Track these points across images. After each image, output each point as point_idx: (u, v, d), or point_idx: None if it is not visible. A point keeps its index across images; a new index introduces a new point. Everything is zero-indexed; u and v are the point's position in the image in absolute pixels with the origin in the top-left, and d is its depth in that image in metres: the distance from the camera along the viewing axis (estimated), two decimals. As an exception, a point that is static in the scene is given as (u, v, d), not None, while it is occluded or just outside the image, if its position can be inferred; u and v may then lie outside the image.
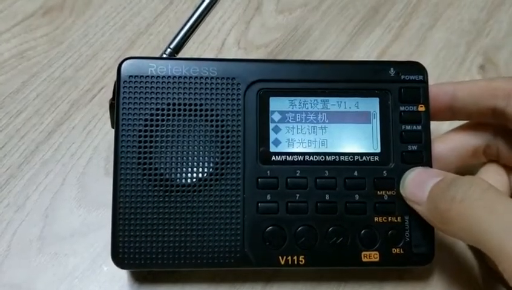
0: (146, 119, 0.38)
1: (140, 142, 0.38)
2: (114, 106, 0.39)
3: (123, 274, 0.42)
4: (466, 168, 0.43)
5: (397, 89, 0.40)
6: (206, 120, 0.39)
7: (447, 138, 0.42)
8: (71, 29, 0.51)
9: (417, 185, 0.37)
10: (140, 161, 0.38)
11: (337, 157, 0.39)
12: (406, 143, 0.40)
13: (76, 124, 0.47)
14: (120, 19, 0.52)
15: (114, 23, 0.51)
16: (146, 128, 0.38)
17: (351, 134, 0.40)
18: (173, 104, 0.38)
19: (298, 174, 0.39)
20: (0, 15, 0.51)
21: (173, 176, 0.38)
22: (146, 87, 0.38)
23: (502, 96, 0.38)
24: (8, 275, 0.42)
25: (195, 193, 0.38)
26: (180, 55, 0.49)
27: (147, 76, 0.38)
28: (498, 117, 0.39)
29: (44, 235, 0.43)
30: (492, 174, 0.42)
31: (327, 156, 0.39)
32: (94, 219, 0.43)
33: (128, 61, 0.39)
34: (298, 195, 0.39)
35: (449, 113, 0.41)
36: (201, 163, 0.38)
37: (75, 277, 0.42)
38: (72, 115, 0.47)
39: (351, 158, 0.39)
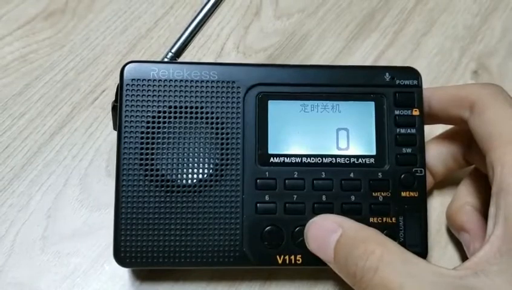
0: (148, 122, 0.39)
1: (142, 143, 0.39)
2: (117, 109, 0.39)
3: (125, 273, 0.42)
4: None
5: (392, 94, 0.41)
6: (207, 122, 0.39)
7: (429, 145, 0.43)
8: (72, 33, 0.52)
9: (319, 244, 0.37)
10: (141, 162, 0.38)
11: (333, 159, 0.40)
12: (401, 146, 0.40)
13: (78, 126, 0.47)
14: (121, 23, 0.52)
15: (115, 27, 0.52)
16: (148, 130, 0.39)
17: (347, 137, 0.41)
18: (175, 107, 0.39)
19: (295, 176, 0.40)
20: (3, 18, 0.52)
21: (174, 176, 0.39)
22: (148, 90, 0.39)
23: (466, 106, 0.39)
24: (12, 274, 0.42)
25: (196, 194, 0.39)
26: (180, 59, 0.50)
27: (150, 79, 0.39)
28: (467, 126, 0.39)
29: (47, 235, 0.44)
30: (464, 193, 0.42)
31: (323, 158, 0.40)
32: (95, 219, 0.44)
33: (130, 65, 0.39)
34: (295, 196, 0.39)
35: (429, 118, 0.42)
36: (201, 164, 0.39)
37: (78, 276, 0.42)
38: (74, 117, 0.48)
39: (347, 160, 0.40)
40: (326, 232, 0.37)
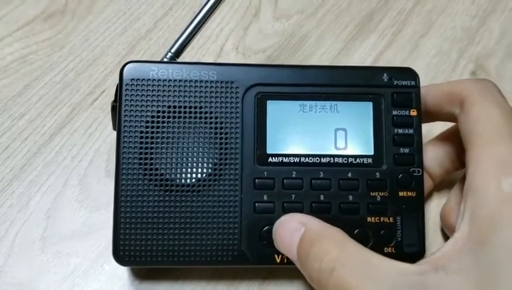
0: (147, 121, 0.39)
1: (141, 143, 0.39)
2: (116, 108, 0.39)
3: (124, 273, 0.43)
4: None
5: (390, 94, 0.41)
6: (206, 122, 0.39)
7: (426, 147, 0.43)
8: (72, 34, 0.52)
9: (285, 243, 0.37)
10: (141, 161, 0.39)
11: (331, 159, 0.40)
12: (398, 146, 0.40)
13: (77, 126, 0.48)
14: (121, 24, 0.53)
15: (114, 28, 0.52)
16: (147, 130, 0.39)
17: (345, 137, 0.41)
18: (174, 107, 0.39)
19: (293, 175, 0.40)
20: (3, 20, 0.52)
21: (173, 176, 0.39)
22: (147, 90, 0.39)
23: (457, 103, 0.39)
24: (11, 274, 0.42)
25: (195, 193, 0.39)
26: (179, 60, 0.50)
27: (149, 79, 0.39)
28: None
29: (46, 235, 0.44)
30: (458, 194, 0.42)
31: (322, 158, 0.40)
32: (95, 219, 0.44)
33: (130, 64, 0.39)
34: (293, 195, 0.40)
35: (425, 116, 0.42)
36: (200, 164, 0.39)
37: (77, 276, 0.42)
38: (73, 117, 0.48)
39: (345, 160, 0.40)
40: (291, 231, 0.37)
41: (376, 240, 0.39)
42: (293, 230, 0.36)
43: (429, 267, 0.32)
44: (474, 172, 0.35)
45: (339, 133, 0.41)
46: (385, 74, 0.41)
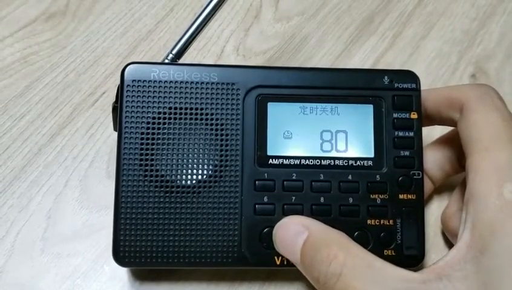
0: (148, 123, 0.39)
1: (142, 144, 0.39)
2: (117, 109, 0.39)
3: (124, 274, 0.43)
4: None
5: (390, 97, 0.41)
6: (206, 124, 0.39)
7: (426, 150, 0.43)
8: (73, 35, 0.52)
9: (286, 245, 0.37)
10: (141, 162, 0.39)
11: (332, 161, 0.40)
12: (399, 149, 0.40)
13: (78, 127, 0.48)
14: (122, 25, 0.53)
15: (115, 29, 0.52)
16: (148, 131, 0.39)
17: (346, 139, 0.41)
18: (175, 108, 0.39)
19: (294, 177, 0.40)
20: (4, 20, 0.52)
21: (173, 177, 0.39)
22: (148, 91, 0.39)
23: (456, 108, 0.39)
24: (12, 274, 0.42)
25: (195, 194, 0.39)
26: (181, 61, 0.50)
27: (150, 80, 0.39)
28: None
29: (47, 236, 0.44)
30: (458, 199, 0.42)
31: (322, 160, 0.40)
32: (95, 220, 0.44)
33: (131, 66, 0.39)
34: (294, 197, 0.40)
35: (424, 119, 0.41)
36: (200, 165, 0.39)
37: (78, 277, 0.42)
38: (74, 118, 0.48)
39: (345, 162, 0.40)
40: (293, 233, 0.37)
41: (376, 242, 0.40)
42: (295, 233, 0.36)
43: (433, 275, 0.33)
44: (475, 179, 0.35)
45: (340, 136, 0.41)
46: (385, 77, 0.41)
